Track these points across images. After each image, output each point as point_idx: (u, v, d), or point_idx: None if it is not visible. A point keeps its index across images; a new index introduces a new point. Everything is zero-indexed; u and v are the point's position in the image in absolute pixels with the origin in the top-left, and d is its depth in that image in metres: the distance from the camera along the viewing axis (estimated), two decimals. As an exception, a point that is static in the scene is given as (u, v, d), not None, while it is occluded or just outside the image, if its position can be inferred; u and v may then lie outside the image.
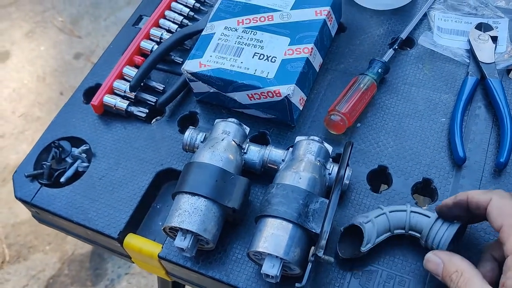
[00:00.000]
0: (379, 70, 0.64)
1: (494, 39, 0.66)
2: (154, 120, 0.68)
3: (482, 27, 0.68)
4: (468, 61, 0.66)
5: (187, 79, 0.64)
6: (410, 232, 0.52)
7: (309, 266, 0.49)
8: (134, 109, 0.66)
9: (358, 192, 0.58)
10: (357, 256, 0.52)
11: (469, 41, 0.67)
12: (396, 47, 0.67)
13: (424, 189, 0.59)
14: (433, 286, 0.51)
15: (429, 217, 0.51)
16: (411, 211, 0.52)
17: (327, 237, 0.48)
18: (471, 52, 0.66)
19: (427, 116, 0.63)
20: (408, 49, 0.69)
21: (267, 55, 0.61)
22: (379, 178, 0.60)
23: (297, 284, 0.48)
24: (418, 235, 0.51)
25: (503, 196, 0.45)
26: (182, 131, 0.65)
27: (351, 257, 0.52)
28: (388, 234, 0.52)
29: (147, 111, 0.67)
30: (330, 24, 0.67)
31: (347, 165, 0.54)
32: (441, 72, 0.66)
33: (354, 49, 0.70)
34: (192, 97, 0.68)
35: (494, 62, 0.64)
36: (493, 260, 0.47)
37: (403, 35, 0.68)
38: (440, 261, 0.46)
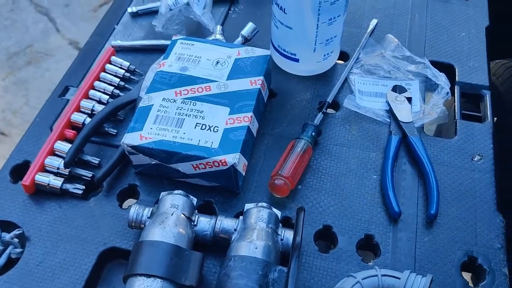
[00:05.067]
0: (313, 134, 0.68)
1: (409, 99, 0.74)
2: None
3: (397, 89, 0.75)
4: (389, 120, 0.72)
5: (126, 152, 0.63)
6: None
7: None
8: (69, 187, 0.63)
9: (308, 254, 0.59)
10: None
11: (387, 102, 0.74)
12: (325, 110, 0.72)
13: (367, 245, 0.62)
14: None
15: (399, 278, 0.52)
16: (382, 275, 0.51)
17: (290, 306, 0.49)
18: (390, 112, 0.73)
19: (360, 174, 0.67)
20: (335, 112, 0.74)
21: (209, 125, 0.62)
22: (325, 237, 0.62)
23: None
24: None
25: None
26: (123, 205, 0.63)
27: None
28: None
29: (84, 187, 0.64)
30: (264, 91, 0.70)
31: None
32: (367, 132, 0.72)
33: (286, 114, 0.73)
34: (130, 169, 0.66)
35: (412, 121, 0.71)
36: None
37: (329, 99, 0.73)
38: None
